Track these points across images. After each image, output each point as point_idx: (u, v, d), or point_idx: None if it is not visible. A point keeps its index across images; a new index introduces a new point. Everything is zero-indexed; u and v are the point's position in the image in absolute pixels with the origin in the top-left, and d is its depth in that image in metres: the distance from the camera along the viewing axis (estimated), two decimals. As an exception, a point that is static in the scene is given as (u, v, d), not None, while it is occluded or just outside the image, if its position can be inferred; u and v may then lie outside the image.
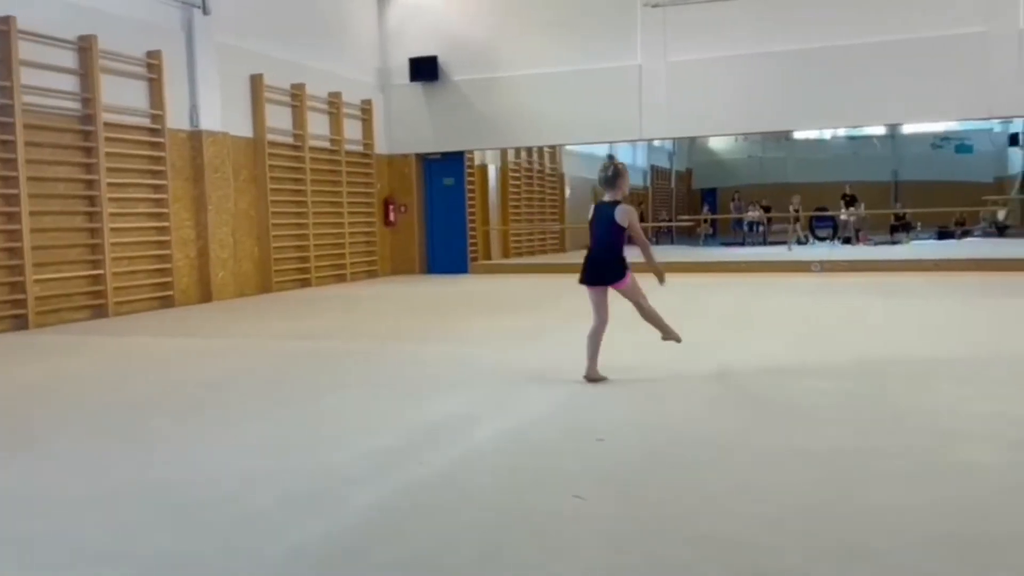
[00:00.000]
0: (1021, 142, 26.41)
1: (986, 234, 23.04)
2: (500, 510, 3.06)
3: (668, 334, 5.32)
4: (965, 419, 4.15)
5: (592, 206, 5.30)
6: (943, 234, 21.86)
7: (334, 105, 14.48)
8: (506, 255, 18.72)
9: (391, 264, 16.06)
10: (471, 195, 16.89)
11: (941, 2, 12.95)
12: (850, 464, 3.46)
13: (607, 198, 5.12)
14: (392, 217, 16.06)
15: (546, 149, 20.78)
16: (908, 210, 21.97)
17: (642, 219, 26.92)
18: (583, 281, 5.18)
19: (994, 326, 7.48)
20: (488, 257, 17.74)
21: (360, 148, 15.33)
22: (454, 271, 15.81)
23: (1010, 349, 6.12)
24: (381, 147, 15.90)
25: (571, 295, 10.54)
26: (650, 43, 14.20)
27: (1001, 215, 22.40)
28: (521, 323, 8.40)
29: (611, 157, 5.79)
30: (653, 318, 5.30)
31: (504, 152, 18.58)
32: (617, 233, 5.05)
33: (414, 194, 16.16)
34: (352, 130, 15.07)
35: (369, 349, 7.02)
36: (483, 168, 18.05)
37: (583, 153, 23.21)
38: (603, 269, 5.09)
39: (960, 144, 28.70)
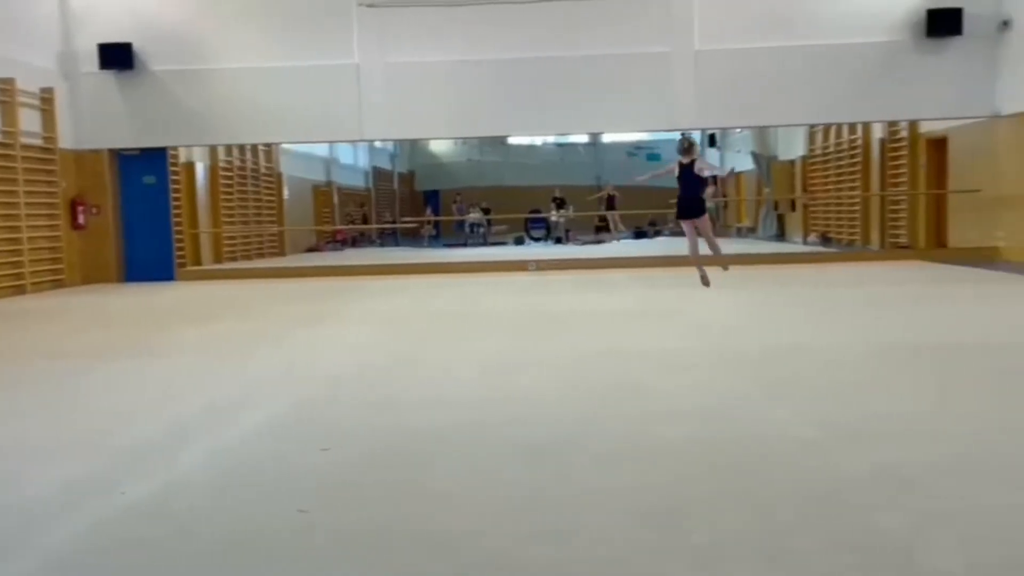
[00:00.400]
0: (716, 143, 29.56)
1: (674, 233, 25.58)
2: (216, 537, 2.81)
3: (724, 263, 8.17)
4: (665, 400, 4.52)
5: (677, 165, 8.16)
6: (639, 234, 23.94)
7: (6, 93, 12.67)
8: (219, 260, 17.59)
9: (82, 272, 14.37)
10: (176, 195, 15.66)
11: (632, 23, 13.99)
12: (563, 452, 3.61)
13: (685, 160, 7.92)
14: (81, 219, 14.39)
15: (261, 147, 19.83)
16: (610, 212, 23.72)
17: (364, 220, 26.57)
18: (680, 216, 8.27)
19: (685, 314, 8.28)
20: (198, 262, 16.56)
21: (40, 142, 13.56)
22: (158, 278, 14.52)
23: (704, 338, 6.79)
24: (66, 142, 14.18)
25: (291, 300, 10.36)
26: (367, 43, 14.04)
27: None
28: (232, 332, 7.91)
29: (683, 134, 8.40)
30: (715, 247, 8.24)
31: (214, 149, 17.44)
32: (699, 181, 7.93)
33: (108, 194, 14.61)
34: (30, 122, 13.29)
35: (48, 369, 6.17)
36: (190, 166, 16.82)
37: (302, 153, 22.49)
38: (693, 206, 7.98)
39: (651, 153, 31.55)
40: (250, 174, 19.48)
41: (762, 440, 3.72)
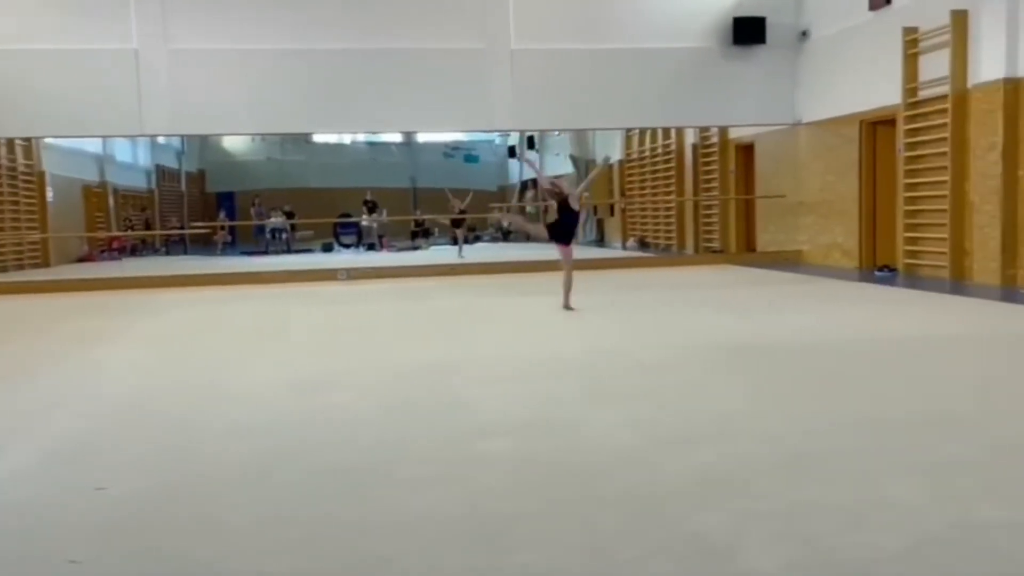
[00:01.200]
0: (517, 154, 30.38)
1: (493, 239, 26.10)
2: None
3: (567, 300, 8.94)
4: (485, 413, 4.56)
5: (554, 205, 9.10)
6: (454, 240, 24.07)
7: None
8: (-35, 272, 15.94)
9: None
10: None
11: (446, 16, 14.04)
12: (378, 476, 3.58)
13: (557, 201, 9.03)
14: None
15: (19, 142, 18.13)
16: (427, 216, 23.70)
17: (147, 226, 25.11)
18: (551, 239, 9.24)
19: (504, 322, 8.40)
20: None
21: None
22: None
23: (524, 345, 6.91)
24: None
25: (63, 317, 9.47)
26: (147, 25, 13.41)
27: (505, 222, 25.41)
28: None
29: (552, 181, 9.24)
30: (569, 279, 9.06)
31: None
32: (573, 212, 9.03)
33: None
34: None
35: None
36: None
37: (70, 149, 20.88)
38: (566, 231, 9.04)
39: (468, 154, 31.95)
40: (5, 173, 17.78)
41: (585, 449, 3.85)
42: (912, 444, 3.80)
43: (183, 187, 28.80)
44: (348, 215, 23.74)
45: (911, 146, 11.78)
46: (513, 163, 30.80)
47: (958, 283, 10.67)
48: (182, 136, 25.20)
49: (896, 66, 11.71)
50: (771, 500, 3.12)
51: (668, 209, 19.05)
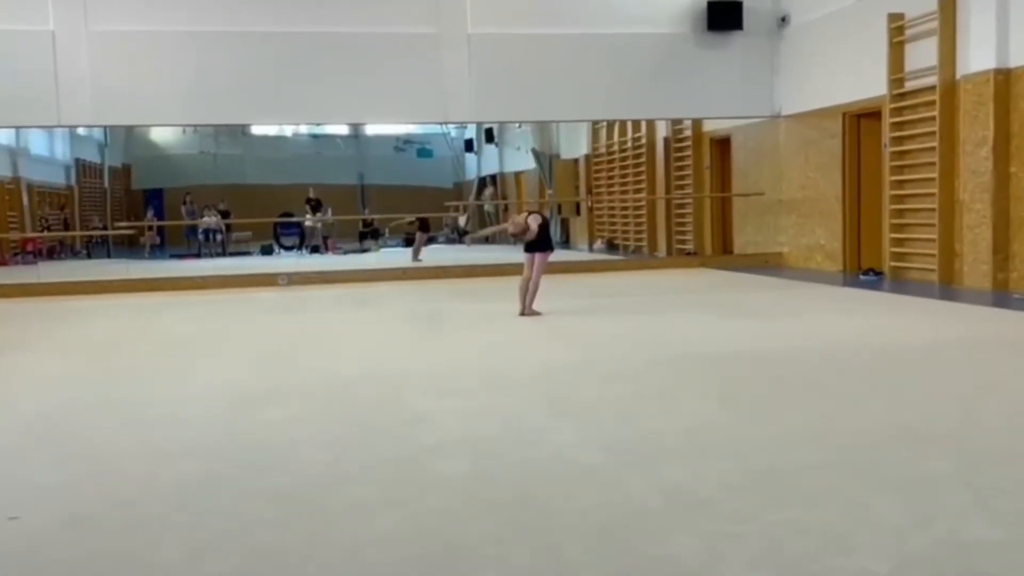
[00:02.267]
0: (475, 148, 30.25)
1: (449, 240, 25.94)
2: None
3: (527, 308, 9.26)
4: (438, 430, 4.56)
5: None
6: (410, 241, 23.94)
7: None
8: None
9: None
10: None
11: (395, -3, 13.93)
12: (321, 499, 3.55)
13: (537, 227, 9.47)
14: None
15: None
16: (377, 216, 23.47)
17: (66, 226, 24.45)
18: (527, 250, 9.44)
19: (458, 332, 8.34)
20: None
21: None
22: None
23: (478, 356, 6.87)
24: None
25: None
26: (65, 5, 13.14)
27: (462, 221, 25.33)
28: None
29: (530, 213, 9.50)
30: (535, 288, 9.37)
31: None
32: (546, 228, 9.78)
33: None
34: None
35: None
36: None
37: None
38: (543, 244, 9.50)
39: (421, 148, 31.74)
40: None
41: (545, 468, 3.86)
42: (896, 458, 3.82)
43: (106, 183, 28.05)
44: (290, 214, 23.45)
45: (897, 140, 11.96)
46: (470, 158, 30.67)
47: (947, 287, 10.82)
48: (105, 127, 24.72)
49: (881, 55, 11.87)
50: (747, 521, 3.12)
51: (638, 208, 19.14)
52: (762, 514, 3.18)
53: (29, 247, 21.49)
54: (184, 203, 24.17)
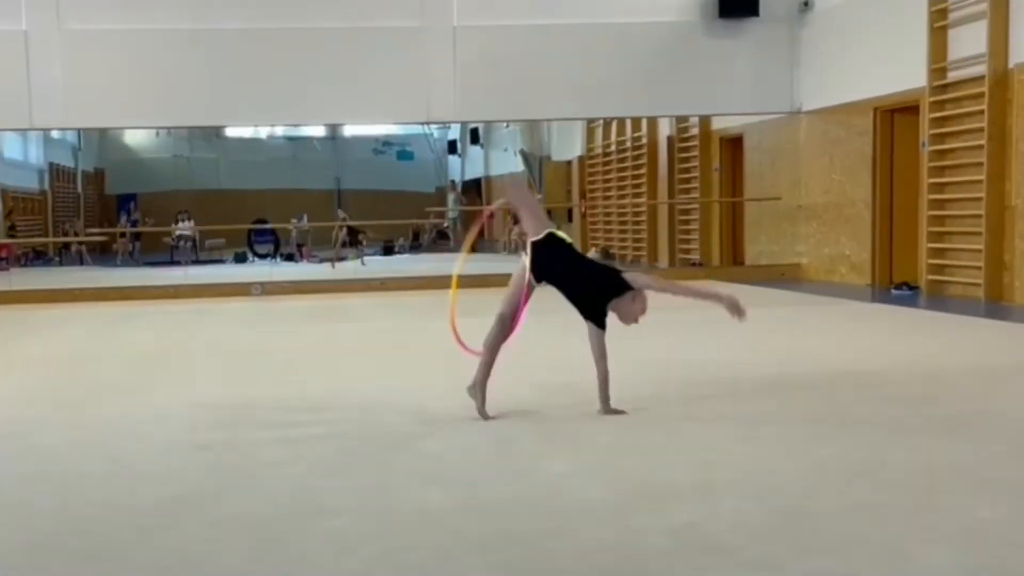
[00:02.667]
0: (459, 150, 29.62)
1: (433, 243, 25.52)
2: None
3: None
4: (422, 457, 4.45)
5: None
6: (389, 249, 23.69)
7: None
8: None
9: None
10: None
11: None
12: (300, 529, 3.46)
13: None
14: None
15: None
16: (362, 223, 23.26)
17: (40, 232, 23.71)
18: None
19: (444, 349, 7.87)
20: None
21: None
22: None
23: (467, 378, 6.40)
24: None
25: None
26: (38, 3, 13.06)
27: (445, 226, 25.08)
28: None
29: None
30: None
31: None
32: None
33: None
34: None
35: None
36: None
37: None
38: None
39: (402, 150, 31.54)
40: None
41: (540, 501, 3.72)
42: (943, 503, 3.57)
43: (79, 188, 28.75)
44: (264, 220, 23.47)
45: (938, 138, 11.24)
46: (454, 160, 30.37)
47: (995, 304, 10.21)
48: (78, 130, 25.35)
49: (920, 42, 11.17)
50: (772, 571, 2.93)
51: (637, 214, 18.63)
52: (789, 563, 2.99)
53: (1, 253, 21.28)
54: (177, 220, 23.97)
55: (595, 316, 4.87)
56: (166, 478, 4.15)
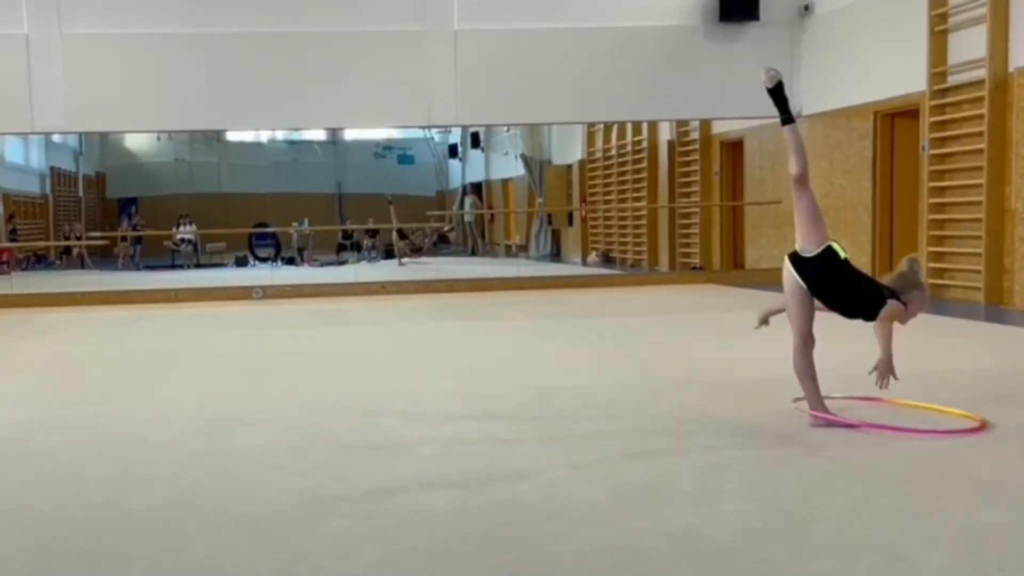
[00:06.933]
0: (460, 154, 29.60)
1: (435, 246, 25.45)
2: None
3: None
4: (420, 460, 4.42)
5: None
6: (391, 253, 23.38)
7: None
8: None
9: None
10: None
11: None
12: (295, 532, 3.47)
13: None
14: None
15: None
16: (374, 226, 23.20)
17: (41, 236, 23.71)
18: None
19: (446, 353, 7.87)
20: None
21: None
22: None
23: (468, 382, 6.49)
24: None
25: None
26: (40, 7, 12.99)
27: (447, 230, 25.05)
28: None
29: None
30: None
31: None
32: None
33: None
34: None
35: None
36: None
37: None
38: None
39: (403, 154, 31.57)
40: None
41: (539, 504, 3.71)
42: (942, 505, 3.55)
43: (80, 192, 28.72)
44: (265, 224, 23.56)
45: (938, 142, 11.17)
46: (454, 164, 30.39)
47: (995, 308, 10.15)
48: (80, 134, 25.15)
49: (921, 46, 11.09)
50: (772, 574, 2.94)
51: (638, 218, 18.58)
52: (791, 566, 2.99)
53: (3, 257, 21.32)
54: (179, 225, 23.97)
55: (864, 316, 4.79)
56: (167, 481, 4.14)
